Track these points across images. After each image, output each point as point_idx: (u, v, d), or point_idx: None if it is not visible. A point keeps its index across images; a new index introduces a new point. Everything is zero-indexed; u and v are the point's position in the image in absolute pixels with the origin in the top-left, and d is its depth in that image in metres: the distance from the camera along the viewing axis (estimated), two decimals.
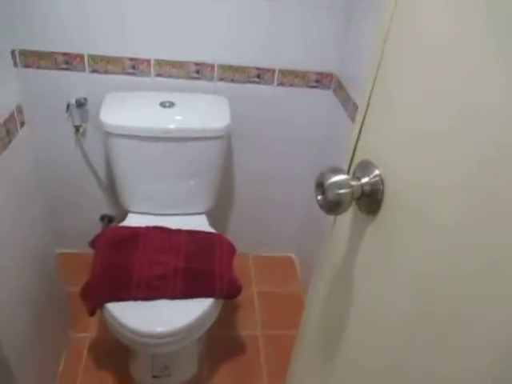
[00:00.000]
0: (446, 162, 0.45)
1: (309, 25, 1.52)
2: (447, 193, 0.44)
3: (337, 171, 0.56)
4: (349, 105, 1.50)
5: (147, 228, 1.47)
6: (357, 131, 0.64)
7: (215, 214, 1.73)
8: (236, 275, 1.40)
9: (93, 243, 1.45)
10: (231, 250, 1.47)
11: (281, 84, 1.63)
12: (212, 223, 1.65)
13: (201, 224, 1.61)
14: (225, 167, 1.66)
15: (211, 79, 1.60)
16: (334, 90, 1.65)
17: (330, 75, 1.64)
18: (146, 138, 1.43)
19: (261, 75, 1.61)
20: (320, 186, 0.55)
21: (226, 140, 1.50)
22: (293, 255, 2.16)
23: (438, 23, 0.47)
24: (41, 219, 1.32)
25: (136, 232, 1.45)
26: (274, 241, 2.11)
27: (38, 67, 1.52)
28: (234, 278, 1.37)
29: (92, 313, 1.30)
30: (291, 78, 1.62)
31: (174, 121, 1.44)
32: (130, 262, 1.35)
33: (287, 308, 1.90)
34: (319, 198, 0.55)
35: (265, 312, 1.87)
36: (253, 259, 2.11)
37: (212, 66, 1.58)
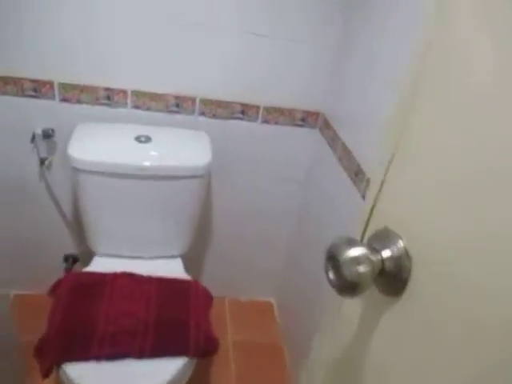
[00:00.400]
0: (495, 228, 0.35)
1: (296, 62, 1.46)
2: (496, 265, 0.35)
3: (353, 243, 0.45)
4: (337, 144, 1.42)
5: (115, 274, 1.32)
6: (373, 195, 0.54)
7: (189, 254, 1.59)
8: (213, 328, 1.26)
9: (52, 291, 1.29)
10: (207, 299, 1.34)
11: (265, 121, 1.55)
12: (186, 264, 1.52)
13: (175, 269, 1.47)
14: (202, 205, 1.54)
15: (192, 113, 1.51)
16: (321, 129, 1.58)
17: (316, 114, 1.57)
18: (118, 175, 1.30)
19: (245, 111, 1.52)
20: (332, 261, 0.45)
21: (206, 179, 1.40)
22: (272, 300, 2.03)
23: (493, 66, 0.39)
24: None
25: (102, 279, 1.30)
26: (253, 284, 1.98)
27: (4, 93, 1.39)
28: (211, 332, 1.24)
29: (46, 374, 1.13)
30: (276, 115, 1.54)
31: (150, 157, 1.33)
32: (93, 313, 1.20)
33: (265, 359, 1.76)
34: (331, 275, 0.45)
35: (241, 365, 1.72)
36: (229, 303, 1.97)
37: (193, 100, 1.48)
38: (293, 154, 1.64)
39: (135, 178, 1.32)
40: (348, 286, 0.44)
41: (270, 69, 1.46)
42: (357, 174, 1.27)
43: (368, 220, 0.54)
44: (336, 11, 1.39)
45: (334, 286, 0.45)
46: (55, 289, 1.29)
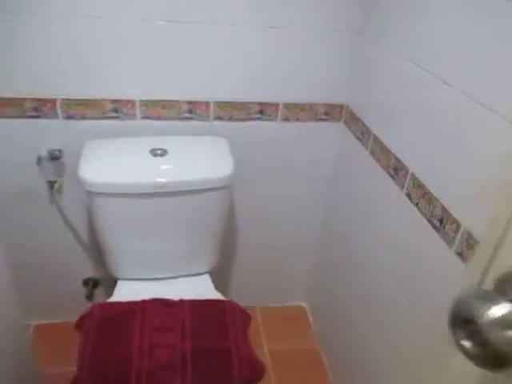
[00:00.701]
0: None
1: (315, 52, 1.33)
2: None
3: (491, 297, 0.34)
4: (367, 138, 1.30)
5: (143, 302, 1.22)
6: (497, 232, 0.43)
7: (215, 267, 1.49)
8: (255, 352, 1.16)
9: (79, 325, 1.19)
10: (245, 319, 1.24)
11: (286, 119, 1.43)
12: (213, 277, 1.42)
13: (205, 288, 1.37)
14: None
15: (206, 118, 1.39)
16: (346, 122, 1.46)
17: (340, 106, 1.45)
18: (136, 195, 1.20)
19: (263, 111, 1.40)
20: (465, 325, 0.34)
21: (229, 189, 1.29)
22: (304, 304, 1.93)
23: None
24: (6, 292, 1.07)
25: (130, 308, 1.20)
26: (283, 290, 1.88)
27: (2, 116, 1.28)
28: (254, 357, 1.14)
29: None
30: (297, 111, 1.42)
31: (168, 173, 1.21)
32: (126, 348, 1.10)
33: (304, 367, 1.66)
34: (466, 343, 0.34)
35: (281, 374, 1.63)
36: (260, 312, 1.87)
37: (207, 104, 1.37)
38: (317, 151, 1.52)
39: (154, 196, 1.21)
40: (497, 359, 0.33)
41: (288, 62, 1.34)
42: (396, 170, 1.15)
43: (490, 260, 0.43)
44: None
45: (472, 359, 0.34)
46: (82, 322, 1.19)
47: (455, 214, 0.93)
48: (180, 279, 1.39)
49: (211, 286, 1.39)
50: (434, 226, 1.00)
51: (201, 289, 1.36)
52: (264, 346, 1.74)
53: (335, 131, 1.49)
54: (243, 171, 1.45)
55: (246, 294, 1.78)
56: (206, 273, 1.43)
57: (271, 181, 1.55)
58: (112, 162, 1.22)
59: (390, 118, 1.19)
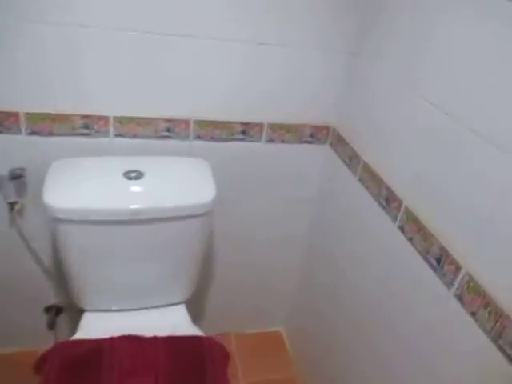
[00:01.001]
0: None
1: (304, 71, 1.26)
2: None
3: None
4: (356, 162, 1.25)
5: (112, 339, 1.11)
6: None
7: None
8: None
9: (38, 367, 1.07)
10: (224, 358, 1.15)
11: (270, 140, 1.36)
12: (187, 303, 1.33)
13: (181, 319, 1.27)
14: None
15: (186, 138, 1.30)
16: (332, 144, 1.40)
17: (326, 128, 1.38)
18: (108, 222, 1.09)
19: (246, 131, 1.32)
20: None
21: (210, 216, 1.19)
22: (282, 329, 1.85)
23: None
24: None
25: (97, 347, 1.09)
26: (259, 315, 1.79)
27: None
28: None
29: None
30: (282, 133, 1.35)
31: (144, 198, 1.11)
32: None
33: None
34: None
35: None
36: (235, 339, 1.78)
37: (187, 122, 1.27)
38: (301, 172, 1.45)
39: (128, 224, 1.10)
40: None
41: (274, 81, 1.26)
42: (388, 200, 1.09)
43: None
44: (350, 11, 1.20)
45: None
46: (42, 364, 1.07)
47: (453, 252, 0.87)
48: (153, 310, 1.29)
49: (187, 317, 1.29)
50: (431, 265, 0.94)
51: (176, 321, 1.26)
52: (240, 378, 1.64)
53: (320, 153, 1.42)
54: (224, 191, 1.36)
55: (220, 318, 1.69)
56: (181, 303, 1.33)
57: (252, 202, 1.47)
58: (81, 186, 1.10)
59: (383, 144, 1.13)
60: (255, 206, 1.48)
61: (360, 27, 1.22)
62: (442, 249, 0.90)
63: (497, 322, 0.76)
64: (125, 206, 1.08)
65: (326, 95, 1.32)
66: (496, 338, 0.76)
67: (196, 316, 1.27)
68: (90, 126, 1.21)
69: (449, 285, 0.88)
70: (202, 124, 1.28)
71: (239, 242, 1.56)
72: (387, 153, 1.11)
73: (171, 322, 1.25)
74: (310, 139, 1.39)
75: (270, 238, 1.58)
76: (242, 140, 1.33)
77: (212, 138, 1.31)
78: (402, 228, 1.04)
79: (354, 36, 1.24)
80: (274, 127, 1.34)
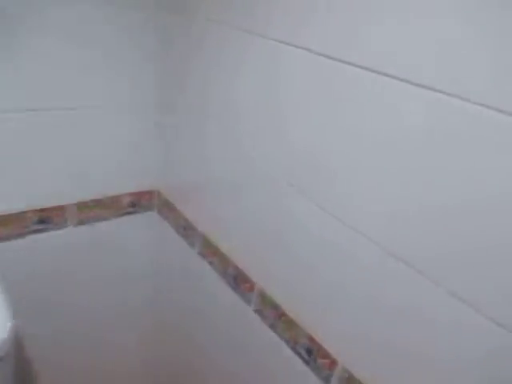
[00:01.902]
0: None
1: (115, 131, 1.02)
2: None
3: None
4: (181, 223, 1.06)
5: None
6: None
7: None
8: None
9: None
10: None
11: (80, 223, 1.06)
12: None
13: None
14: None
15: None
16: (159, 211, 1.18)
17: (149, 193, 1.16)
18: None
19: (45, 219, 1.01)
20: None
21: (9, 362, 0.85)
22: None
23: None
24: None
25: None
26: None
27: None
28: None
29: None
30: (96, 210, 1.07)
31: None
32: None
33: None
34: None
35: None
36: None
37: None
38: (128, 248, 1.20)
39: None
40: None
41: (66, 155, 0.98)
42: (236, 279, 0.93)
43: None
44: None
45: None
46: None
47: (327, 346, 0.76)
48: None
49: None
50: (302, 357, 0.81)
51: None
52: None
53: (147, 222, 1.19)
54: (32, 313, 1.02)
55: None
56: None
57: (70, 307, 1.15)
58: None
59: (221, 220, 0.96)
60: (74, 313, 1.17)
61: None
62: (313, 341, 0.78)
63: None
64: None
65: (141, 156, 1.09)
66: None
67: None
68: None
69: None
70: None
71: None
72: (226, 226, 0.94)
73: None
74: (131, 210, 1.14)
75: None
76: (40, 231, 1.01)
77: None
78: (260, 312, 0.89)
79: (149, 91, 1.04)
80: (82, 206, 1.05)
